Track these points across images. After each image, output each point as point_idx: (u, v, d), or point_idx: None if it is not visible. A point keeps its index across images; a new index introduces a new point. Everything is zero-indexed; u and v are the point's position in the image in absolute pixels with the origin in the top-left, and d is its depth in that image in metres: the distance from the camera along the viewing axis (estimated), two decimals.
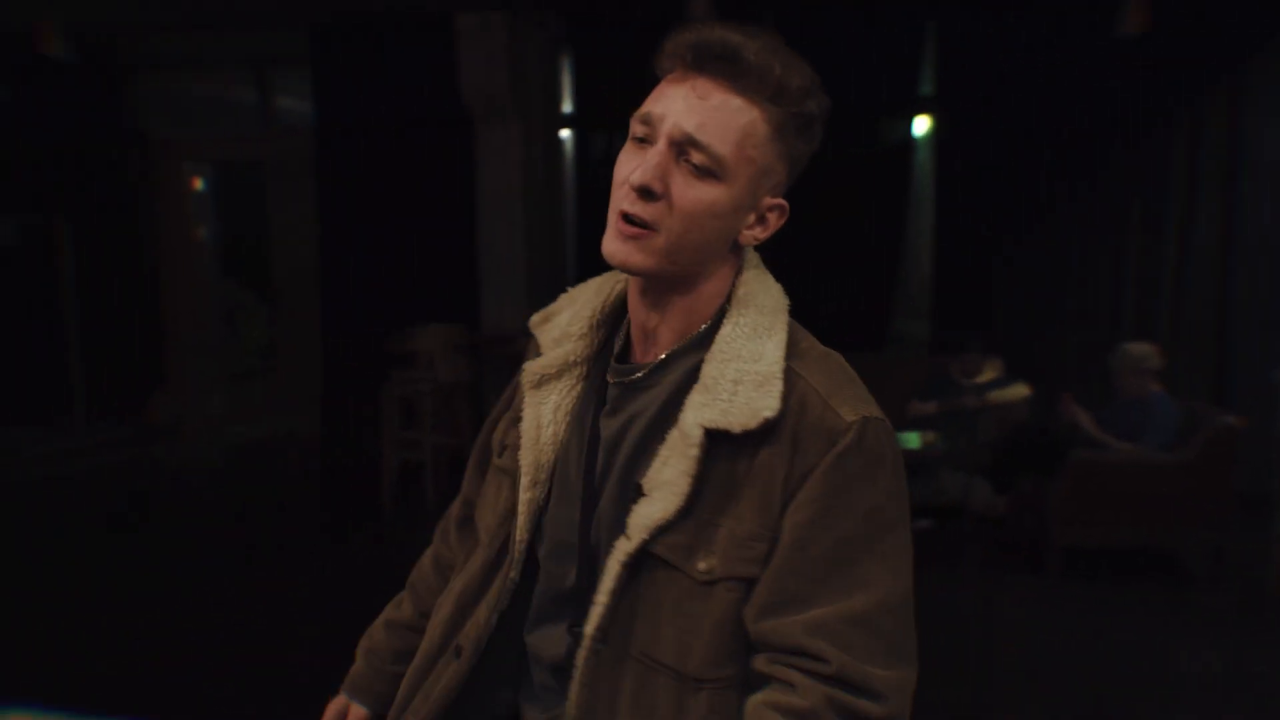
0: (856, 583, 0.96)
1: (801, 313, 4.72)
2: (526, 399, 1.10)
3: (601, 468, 1.05)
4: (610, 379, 1.08)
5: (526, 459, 1.08)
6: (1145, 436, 4.21)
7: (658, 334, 1.05)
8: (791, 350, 1.02)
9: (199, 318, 8.09)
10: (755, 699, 0.96)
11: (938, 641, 3.60)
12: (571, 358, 1.09)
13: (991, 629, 3.80)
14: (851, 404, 1.00)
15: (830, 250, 5.93)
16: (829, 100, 1.01)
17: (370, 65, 6.62)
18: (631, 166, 0.97)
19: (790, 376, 1.00)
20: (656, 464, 1.00)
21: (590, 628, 1.00)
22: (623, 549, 0.99)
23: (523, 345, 1.22)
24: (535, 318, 1.16)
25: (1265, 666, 3.39)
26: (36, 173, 7.39)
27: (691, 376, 1.02)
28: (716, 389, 0.99)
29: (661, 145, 0.95)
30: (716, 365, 1.00)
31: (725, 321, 1.03)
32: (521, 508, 1.08)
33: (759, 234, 1.04)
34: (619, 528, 1.01)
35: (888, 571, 0.98)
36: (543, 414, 1.08)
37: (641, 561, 0.99)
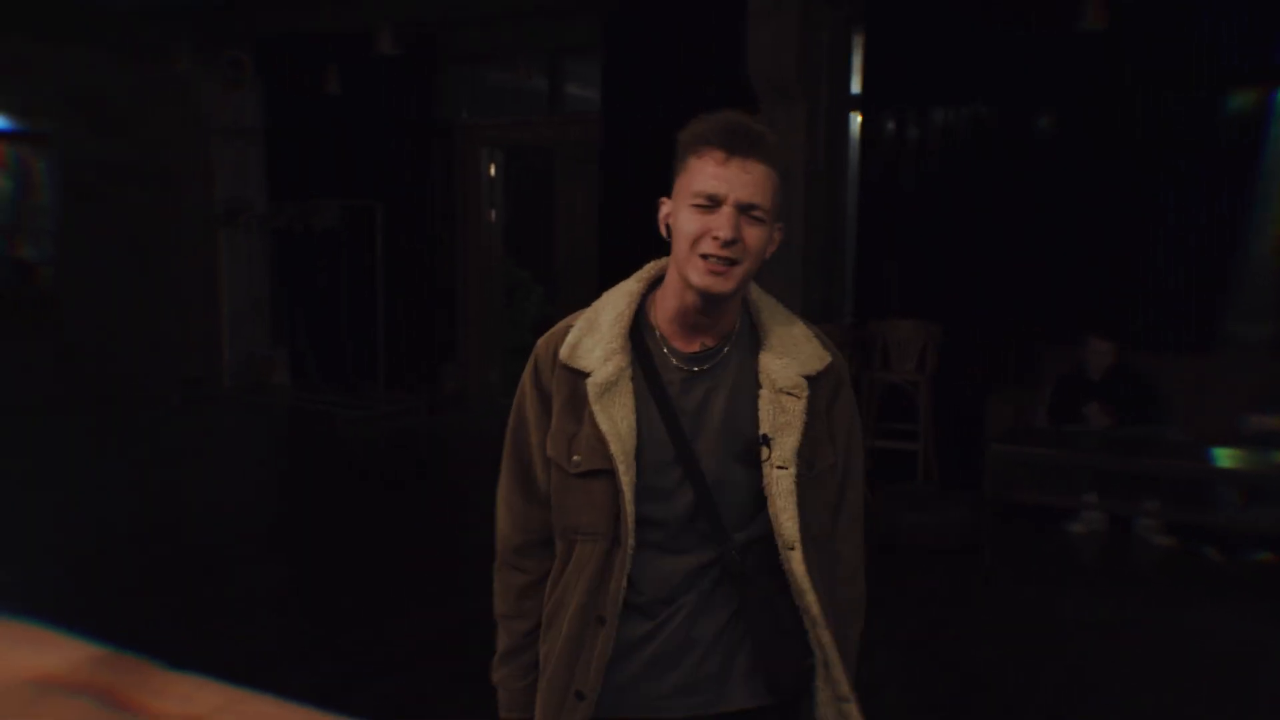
0: (859, 451, 1.55)
1: (1110, 305, 4.25)
2: (595, 409, 1.38)
3: (690, 430, 1.40)
4: (677, 368, 1.43)
5: (618, 451, 1.36)
6: None
7: (709, 329, 1.42)
8: (798, 316, 1.51)
9: (486, 296, 8.57)
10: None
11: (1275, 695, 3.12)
12: (623, 365, 1.40)
13: None
14: (833, 344, 1.51)
15: (1156, 240, 5.29)
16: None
17: (656, 50, 6.68)
18: (701, 224, 1.34)
19: (814, 334, 1.49)
20: (767, 413, 1.39)
21: (790, 536, 1.38)
22: (787, 477, 1.38)
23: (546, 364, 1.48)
24: (564, 351, 1.44)
25: None
26: (358, 159, 8.12)
27: (748, 351, 1.44)
28: (786, 350, 1.42)
29: (730, 209, 1.32)
30: (777, 337, 1.43)
31: (762, 312, 1.46)
32: (626, 490, 1.36)
33: (772, 250, 1.42)
34: (738, 463, 1.40)
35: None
36: (615, 414, 1.38)
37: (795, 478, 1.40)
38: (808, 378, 1.41)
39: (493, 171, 8.55)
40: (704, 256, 1.33)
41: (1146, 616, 3.85)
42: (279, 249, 8.82)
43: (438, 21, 7.63)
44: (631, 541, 1.39)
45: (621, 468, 1.36)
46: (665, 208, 1.41)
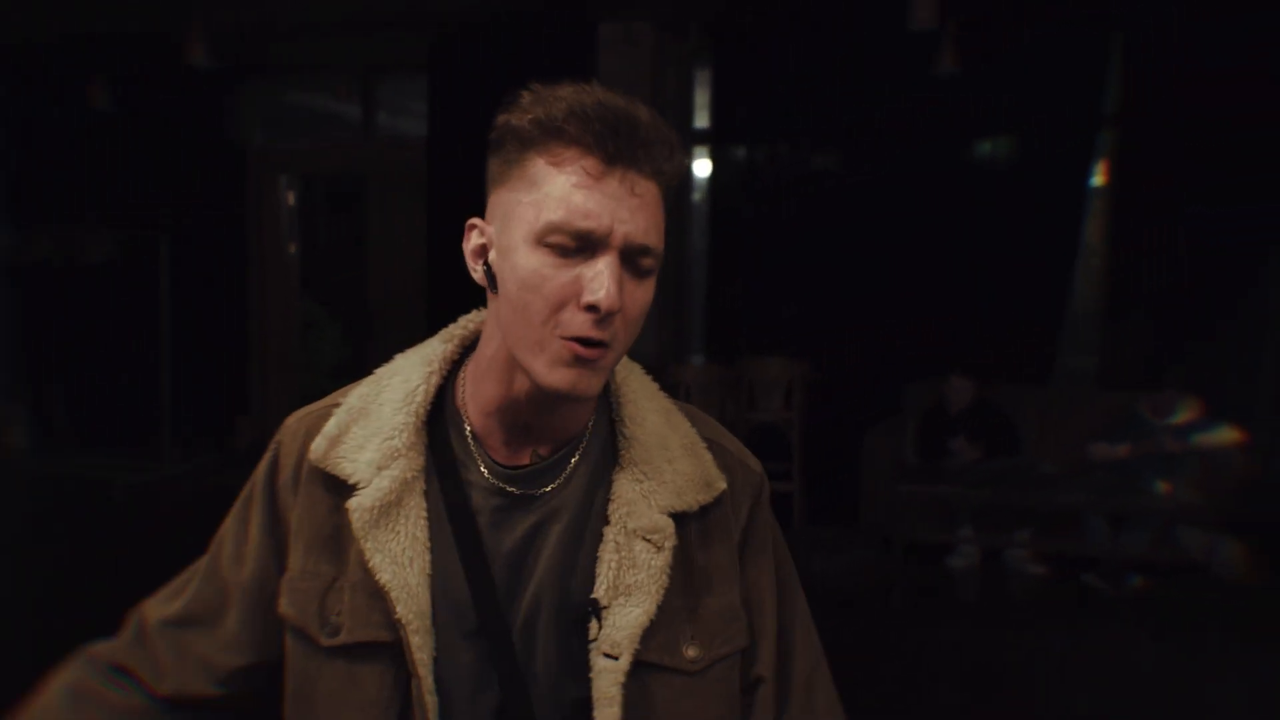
0: (805, 621, 1.03)
1: (962, 341, 4.32)
2: (367, 545, 0.89)
3: (505, 587, 0.91)
4: (491, 487, 0.92)
5: (408, 612, 0.88)
6: None
7: (547, 433, 0.93)
8: (679, 407, 1.01)
9: (285, 337, 7.75)
10: None
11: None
12: (409, 475, 0.92)
13: (1246, 707, 3.39)
14: (747, 452, 1.02)
15: (998, 278, 5.56)
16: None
17: (495, 73, 6.28)
18: (563, 281, 0.83)
19: (705, 439, 0.98)
20: (608, 568, 0.90)
21: None
22: (616, 670, 0.89)
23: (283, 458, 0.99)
24: (317, 447, 0.93)
25: None
26: (136, 185, 7.06)
27: (603, 464, 0.95)
28: (653, 467, 0.93)
29: (613, 258, 0.83)
30: (643, 446, 0.94)
31: (626, 401, 0.97)
32: (422, 672, 0.88)
33: None
34: (570, 648, 0.91)
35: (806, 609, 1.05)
36: (399, 552, 0.89)
37: (632, 675, 0.90)
38: (680, 515, 0.93)
39: (292, 200, 7.76)
40: (569, 338, 0.85)
41: (1065, 648, 3.91)
42: (26, 286, 7.49)
43: (231, 32, 6.80)
44: None
45: (415, 639, 0.88)
46: (480, 235, 0.91)
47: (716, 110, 6.16)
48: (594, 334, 0.83)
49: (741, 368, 5.65)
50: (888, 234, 5.70)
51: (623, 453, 0.94)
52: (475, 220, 0.92)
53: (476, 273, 0.91)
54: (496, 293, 0.89)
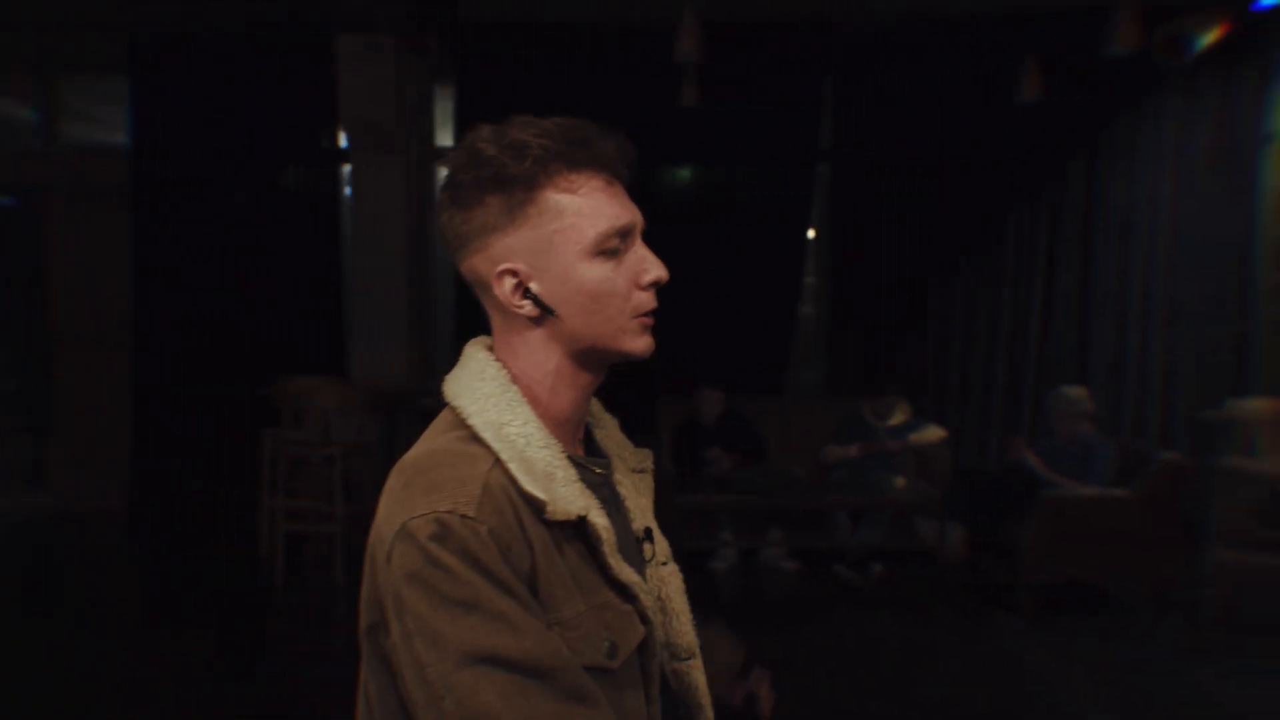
0: None
1: (707, 357, 4.74)
2: (615, 560, 1.00)
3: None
4: (599, 482, 1.06)
5: (651, 599, 1.04)
6: (1091, 475, 4.58)
7: (581, 414, 1.08)
8: None
9: None
10: None
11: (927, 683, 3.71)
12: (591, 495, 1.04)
13: (973, 669, 3.94)
14: None
15: (736, 297, 5.96)
16: None
17: (215, 83, 5.76)
18: (625, 273, 1.01)
19: None
20: (634, 503, 1.12)
21: (691, 640, 1.14)
22: (675, 573, 1.14)
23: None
24: (551, 501, 0.95)
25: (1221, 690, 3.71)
26: None
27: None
28: (607, 420, 1.17)
29: (639, 239, 1.02)
30: (593, 404, 1.13)
31: None
32: (657, 648, 1.05)
33: None
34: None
35: None
36: (621, 558, 1.03)
37: None
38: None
39: None
40: (640, 315, 1.01)
41: (826, 635, 4.29)
42: None
43: None
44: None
45: (657, 619, 1.05)
46: (513, 276, 0.99)
47: (460, 127, 6.07)
48: (654, 304, 1.02)
49: None
50: None
51: (593, 415, 1.13)
52: (504, 265, 0.98)
53: (523, 308, 0.99)
54: (552, 315, 0.99)
